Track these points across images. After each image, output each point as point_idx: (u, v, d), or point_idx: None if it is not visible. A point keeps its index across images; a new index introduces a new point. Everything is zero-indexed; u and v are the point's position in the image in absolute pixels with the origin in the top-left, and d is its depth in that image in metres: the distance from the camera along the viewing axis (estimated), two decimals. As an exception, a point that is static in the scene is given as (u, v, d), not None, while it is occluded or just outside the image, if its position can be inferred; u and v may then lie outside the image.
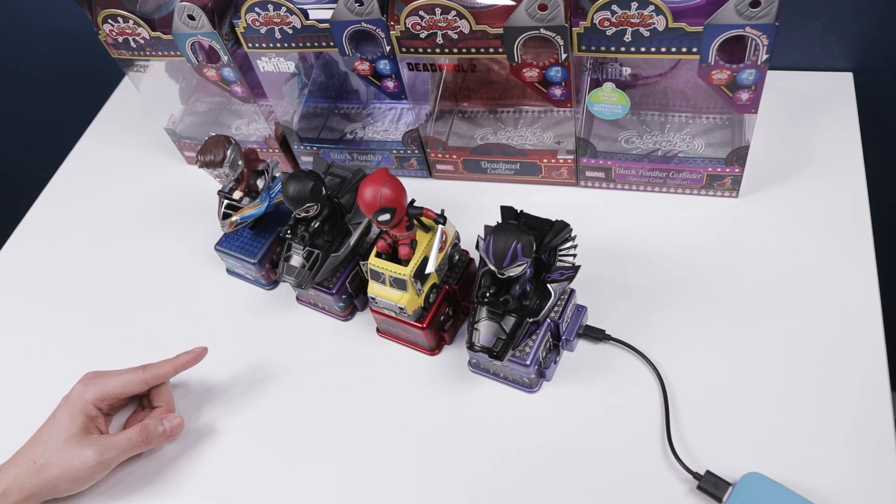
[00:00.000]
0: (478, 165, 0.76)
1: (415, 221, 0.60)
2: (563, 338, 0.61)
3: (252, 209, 0.68)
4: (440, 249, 0.59)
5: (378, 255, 0.60)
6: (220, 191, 0.68)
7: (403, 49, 0.65)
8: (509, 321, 0.56)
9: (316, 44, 0.67)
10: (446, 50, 0.63)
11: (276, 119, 0.79)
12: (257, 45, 0.69)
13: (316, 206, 0.61)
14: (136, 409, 0.65)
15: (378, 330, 0.68)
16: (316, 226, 0.62)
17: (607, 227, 0.70)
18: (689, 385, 0.59)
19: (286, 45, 0.68)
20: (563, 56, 0.61)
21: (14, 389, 0.71)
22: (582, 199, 0.74)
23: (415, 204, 0.59)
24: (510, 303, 0.55)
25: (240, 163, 0.65)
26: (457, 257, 0.65)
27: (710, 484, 0.53)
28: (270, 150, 0.82)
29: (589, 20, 0.58)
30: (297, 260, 0.63)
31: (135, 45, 0.72)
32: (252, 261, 0.70)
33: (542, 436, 0.59)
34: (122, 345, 0.72)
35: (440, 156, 0.76)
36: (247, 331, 0.71)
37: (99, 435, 0.60)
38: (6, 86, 1.15)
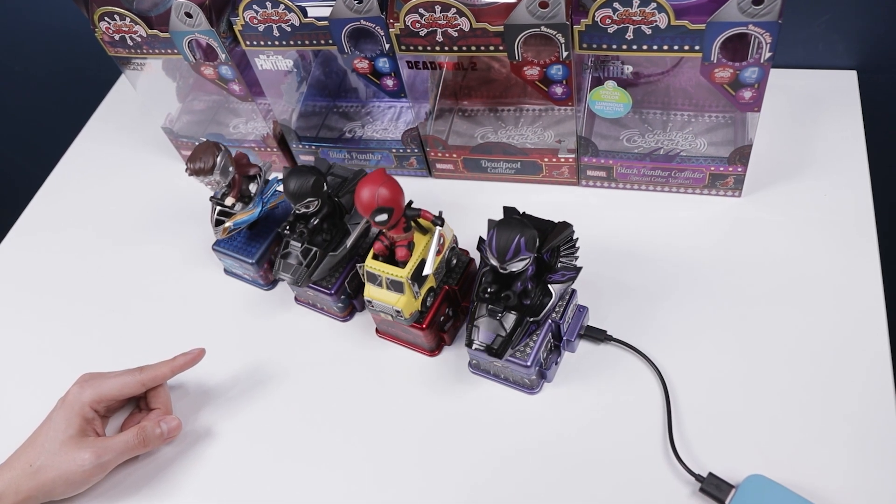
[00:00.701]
0: (478, 164, 0.76)
1: (412, 223, 0.59)
2: (565, 338, 0.61)
3: (245, 215, 0.67)
4: (438, 251, 0.59)
5: (375, 257, 0.60)
6: (212, 197, 0.67)
7: (403, 47, 0.64)
8: (509, 319, 0.55)
9: (315, 42, 0.67)
10: (446, 48, 0.63)
11: (274, 118, 0.78)
12: (255, 42, 0.68)
13: (316, 202, 0.60)
14: (133, 411, 0.65)
15: (377, 331, 0.67)
16: (315, 223, 0.62)
17: (608, 226, 0.70)
18: (691, 386, 0.59)
19: (284, 42, 0.68)
20: (565, 54, 0.60)
21: (10, 391, 0.71)
22: (583, 198, 0.74)
23: (413, 205, 0.58)
24: (511, 298, 0.54)
25: (231, 169, 0.65)
26: (455, 261, 0.64)
27: (712, 486, 0.53)
28: (269, 149, 0.81)
29: (590, 18, 0.57)
30: (294, 257, 0.63)
31: (131, 43, 0.72)
32: (250, 261, 0.70)
33: (542, 437, 0.59)
34: (119, 346, 0.71)
35: (440, 155, 0.76)
36: (245, 332, 0.70)
37: (96, 437, 0.59)
38: (1, 84, 1.14)
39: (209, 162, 0.63)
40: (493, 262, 0.52)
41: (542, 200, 0.74)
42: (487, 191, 0.76)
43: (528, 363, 0.57)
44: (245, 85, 0.73)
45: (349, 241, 0.65)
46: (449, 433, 0.60)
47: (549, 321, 0.59)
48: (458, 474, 0.58)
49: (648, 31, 0.57)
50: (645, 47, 0.58)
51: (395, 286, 0.59)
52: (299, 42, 0.67)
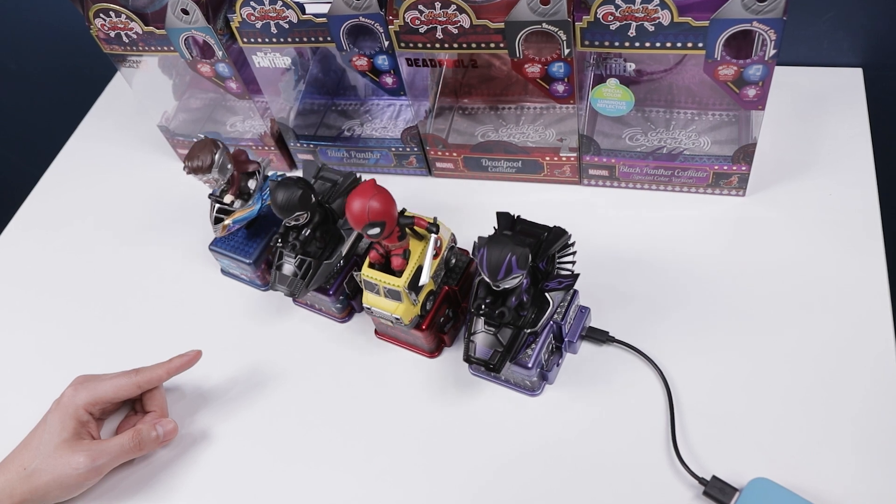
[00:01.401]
0: (478, 163, 0.75)
1: (407, 230, 0.58)
2: (566, 339, 0.60)
3: (244, 212, 0.67)
4: (434, 257, 0.58)
5: (371, 265, 0.59)
6: (210, 194, 0.67)
7: (402, 44, 0.64)
8: (506, 333, 0.55)
9: (313, 39, 0.66)
10: (446, 45, 0.63)
11: (271, 116, 0.78)
12: (253, 40, 0.68)
13: (305, 215, 0.60)
14: (129, 413, 0.64)
15: (377, 332, 0.67)
16: (307, 233, 0.61)
17: (611, 226, 0.70)
18: (695, 388, 0.59)
19: (282, 40, 0.67)
20: (566, 51, 0.60)
21: (3, 393, 0.70)
22: (585, 197, 0.73)
23: (406, 212, 0.57)
24: (506, 316, 0.54)
25: (229, 166, 0.64)
26: (454, 261, 0.64)
27: (716, 489, 0.53)
28: (266, 148, 0.81)
29: (592, 15, 0.57)
30: (288, 268, 0.62)
31: (127, 41, 0.71)
32: (247, 261, 0.69)
33: (544, 440, 0.58)
34: (115, 347, 0.71)
35: (440, 153, 0.75)
36: (242, 333, 0.70)
37: (91, 440, 0.59)
38: (-4, 81, 1.14)
39: (207, 160, 0.62)
40: (486, 279, 0.52)
41: (544, 200, 0.73)
42: (488, 190, 0.76)
43: (530, 365, 0.56)
44: (242, 83, 0.72)
45: (344, 248, 0.64)
46: (449, 436, 0.60)
47: (551, 322, 0.58)
48: (459, 478, 0.58)
49: (651, 28, 0.57)
50: (647, 44, 0.58)
51: (393, 295, 0.58)
52: (297, 39, 0.67)
